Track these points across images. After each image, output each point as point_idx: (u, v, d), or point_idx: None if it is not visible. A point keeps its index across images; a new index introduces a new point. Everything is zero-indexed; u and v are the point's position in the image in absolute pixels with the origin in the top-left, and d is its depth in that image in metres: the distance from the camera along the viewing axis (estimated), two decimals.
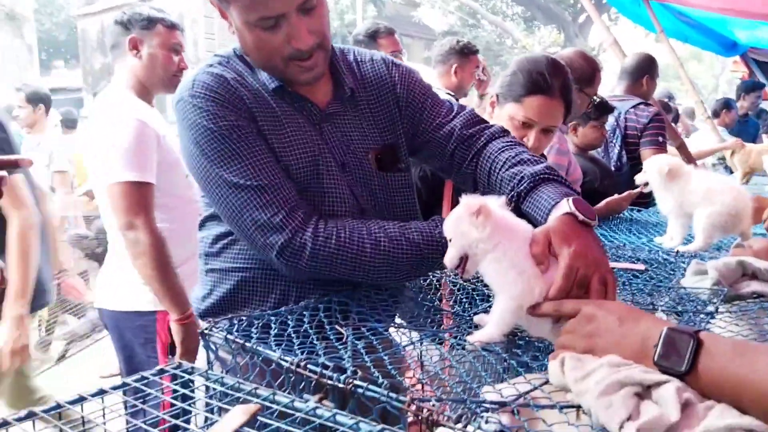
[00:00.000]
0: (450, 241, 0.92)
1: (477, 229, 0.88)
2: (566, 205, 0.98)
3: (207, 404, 0.73)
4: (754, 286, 1.12)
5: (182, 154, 1.18)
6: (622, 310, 0.76)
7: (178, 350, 1.91)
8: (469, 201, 0.90)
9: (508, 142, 1.22)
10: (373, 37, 3.11)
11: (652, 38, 4.49)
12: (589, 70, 2.39)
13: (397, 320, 1.18)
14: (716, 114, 5.56)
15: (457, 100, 3.23)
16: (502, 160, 1.17)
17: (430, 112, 1.27)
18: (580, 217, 0.96)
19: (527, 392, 0.75)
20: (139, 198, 1.83)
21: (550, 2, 18.69)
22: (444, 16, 20.60)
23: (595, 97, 2.47)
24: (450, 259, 0.92)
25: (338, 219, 1.11)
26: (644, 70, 3.24)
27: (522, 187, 1.10)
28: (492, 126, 1.26)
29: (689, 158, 3.69)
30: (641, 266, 1.38)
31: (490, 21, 19.27)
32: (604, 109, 2.75)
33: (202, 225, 1.28)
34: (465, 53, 3.30)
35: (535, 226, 0.96)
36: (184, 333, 1.88)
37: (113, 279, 2.04)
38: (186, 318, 1.86)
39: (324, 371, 0.73)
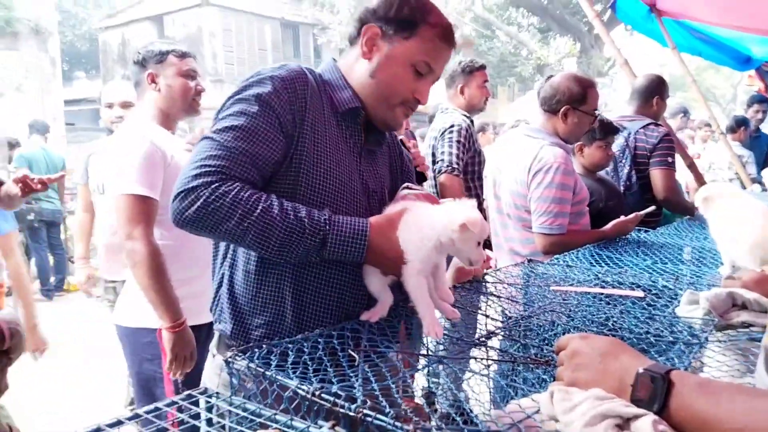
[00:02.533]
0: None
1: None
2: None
3: (231, 428, 0.82)
4: (744, 316, 1.18)
5: None
6: (606, 345, 0.83)
7: (168, 356, 2.01)
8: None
9: None
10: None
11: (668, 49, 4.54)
12: (578, 90, 2.45)
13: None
14: (732, 130, 5.59)
15: (470, 119, 3.30)
16: None
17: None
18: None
19: (520, 421, 0.82)
20: (141, 210, 1.96)
21: (566, 13, 18.69)
22: (459, 28, 20.73)
23: (596, 112, 2.51)
24: None
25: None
26: (654, 91, 3.29)
27: None
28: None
29: (699, 177, 3.73)
30: (640, 293, 1.44)
31: (505, 32, 19.34)
32: (609, 129, 2.81)
33: None
34: (468, 71, 3.37)
35: None
36: (174, 340, 2.00)
37: (127, 297, 2.17)
38: (177, 326, 1.97)
39: (336, 400, 0.81)
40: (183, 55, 2.19)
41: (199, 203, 1.13)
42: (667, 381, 0.71)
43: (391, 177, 1.49)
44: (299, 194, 1.24)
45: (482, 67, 3.42)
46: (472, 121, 3.30)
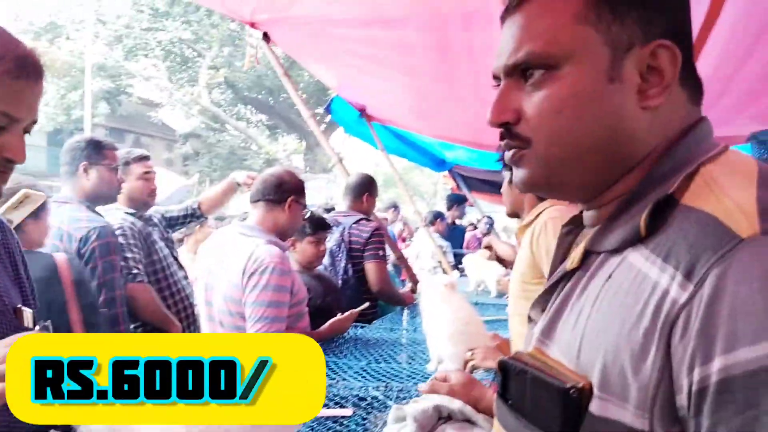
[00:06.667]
0: None
1: None
2: None
3: None
4: (449, 430, 1.11)
5: None
6: None
7: None
8: None
9: None
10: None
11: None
12: (299, 182, 2.41)
13: None
14: (431, 222, 6.32)
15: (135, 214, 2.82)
16: None
17: None
18: None
19: None
20: None
21: (292, 113, 19.79)
22: (186, 119, 20.32)
23: (307, 209, 2.48)
24: None
25: None
26: (364, 189, 3.43)
27: None
28: None
29: (408, 270, 3.98)
30: (349, 411, 1.30)
31: (234, 126, 19.56)
32: (319, 224, 2.79)
33: None
34: (124, 163, 2.72)
35: None
36: None
37: None
38: None
39: None
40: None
41: None
42: None
43: (19, 287, 1.07)
44: None
45: (143, 158, 2.86)
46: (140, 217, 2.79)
